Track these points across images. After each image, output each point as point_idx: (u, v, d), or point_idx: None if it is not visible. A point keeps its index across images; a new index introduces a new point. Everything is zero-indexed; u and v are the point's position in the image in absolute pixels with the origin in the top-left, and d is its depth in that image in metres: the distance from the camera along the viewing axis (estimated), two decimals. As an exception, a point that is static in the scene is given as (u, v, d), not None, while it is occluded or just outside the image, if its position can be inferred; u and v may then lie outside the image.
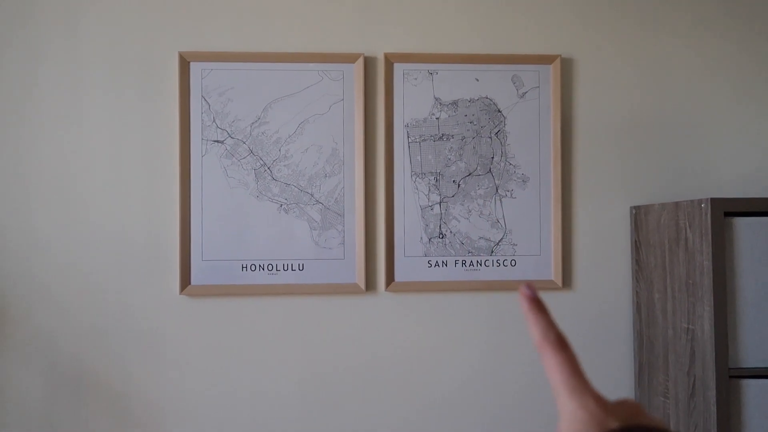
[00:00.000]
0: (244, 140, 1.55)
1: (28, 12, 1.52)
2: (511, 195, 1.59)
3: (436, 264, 1.58)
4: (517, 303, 1.59)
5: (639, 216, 1.55)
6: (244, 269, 1.54)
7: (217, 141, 1.55)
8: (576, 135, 1.61)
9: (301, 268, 1.55)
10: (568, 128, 1.61)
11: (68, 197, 1.52)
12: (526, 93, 1.60)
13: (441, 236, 1.58)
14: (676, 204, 1.37)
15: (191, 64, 1.54)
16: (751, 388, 1.25)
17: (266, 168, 1.55)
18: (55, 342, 1.51)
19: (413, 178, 1.58)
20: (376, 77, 1.57)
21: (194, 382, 1.54)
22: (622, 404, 0.37)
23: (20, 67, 1.51)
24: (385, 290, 1.56)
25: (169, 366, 1.53)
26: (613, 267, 1.61)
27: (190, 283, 1.53)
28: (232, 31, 1.56)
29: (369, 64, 1.57)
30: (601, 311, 1.60)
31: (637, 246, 1.56)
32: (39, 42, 1.52)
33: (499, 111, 1.59)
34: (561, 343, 0.38)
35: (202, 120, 1.54)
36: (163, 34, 1.54)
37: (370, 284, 1.57)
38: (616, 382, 1.60)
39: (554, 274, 1.58)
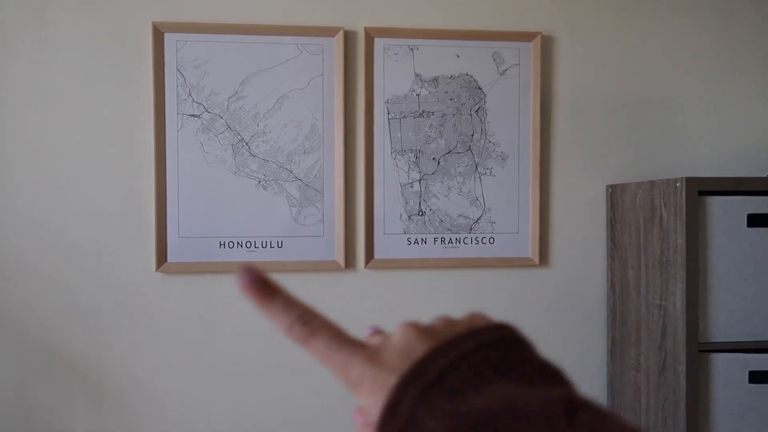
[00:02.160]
0: (221, 115, 1.52)
1: (-9, -23, 1.45)
2: (491, 173, 1.60)
3: (416, 241, 1.58)
4: (495, 280, 1.61)
5: (615, 194, 1.58)
6: (222, 246, 1.52)
7: (193, 115, 1.51)
8: (555, 113, 1.62)
9: (279, 246, 1.54)
10: (547, 106, 1.61)
11: (40, 173, 1.47)
12: (506, 70, 1.59)
13: (420, 214, 1.58)
14: (652, 183, 1.39)
15: (165, 35, 1.49)
16: (720, 361, 1.29)
17: (244, 143, 1.52)
18: (27, 321, 1.48)
19: (393, 155, 1.57)
20: (356, 52, 1.55)
21: (171, 360, 1.53)
22: (424, 330, 0.30)
23: (-16, 36, 1.45)
24: (365, 268, 1.56)
25: (145, 344, 1.52)
26: (588, 245, 1.63)
27: (166, 260, 1.51)
28: (209, 0, 1.51)
29: (349, 38, 1.54)
30: (576, 288, 1.63)
31: (612, 224, 1.59)
32: (7, 13, 1.45)
33: (480, 88, 1.59)
34: (306, 323, 0.31)
35: (177, 94, 1.50)
36: (135, 3, 1.49)
37: (349, 262, 1.56)
38: (589, 356, 1.64)
39: (531, 251, 1.60)
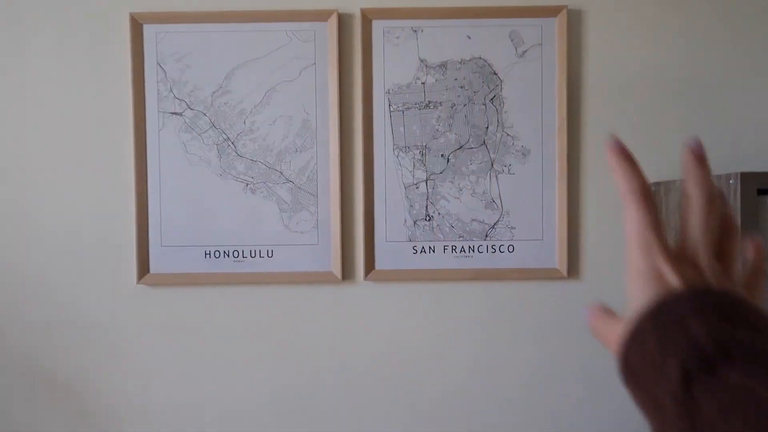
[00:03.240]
0: (205, 112, 1.38)
1: (-35, -28, 1.37)
2: (509, 171, 1.38)
3: (423, 250, 1.39)
4: (515, 295, 1.40)
5: (658, 194, 1.33)
6: (208, 256, 1.39)
7: (175, 113, 1.38)
8: (585, 100, 1.39)
9: (269, 255, 1.39)
10: (575, 92, 1.38)
11: (11, 178, 1.38)
12: (526, 51, 1.37)
13: (428, 218, 1.39)
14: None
15: (144, 26, 1.37)
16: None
17: (230, 143, 1.38)
18: (6, 332, 1.39)
19: (396, 153, 1.38)
20: (352, 37, 1.38)
21: (154, 377, 1.40)
22: (701, 267, 0.35)
23: (-40, 34, 1.37)
24: (365, 279, 1.38)
25: (127, 360, 1.40)
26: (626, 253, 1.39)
27: (148, 272, 1.38)
28: (189, -13, 1.38)
29: (344, 21, 1.37)
30: (611, 304, 1.39)
31: (656, 229, 1.34)
32: (-20, 6, 1.37)
33: (495, 73, 1.38)
34: (644, 195, 0.38)
35: (158, 90, 1.38)
36: (111, -8, 1.37)
37: (347, 273, 1.39)
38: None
39: (558, 261, 1.38)
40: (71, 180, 1.38)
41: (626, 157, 0.39)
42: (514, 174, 1.38)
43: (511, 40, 1.37)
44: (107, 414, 1.40)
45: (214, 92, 1.38)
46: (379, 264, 1.39)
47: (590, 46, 1.38)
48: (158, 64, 1.37)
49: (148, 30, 1.37)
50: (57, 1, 1.37)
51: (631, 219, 0.37)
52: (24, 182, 1.38)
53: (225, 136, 1.38)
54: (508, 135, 1.38)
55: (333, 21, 1.36)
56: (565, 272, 1.37)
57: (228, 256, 1.39)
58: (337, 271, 1.38)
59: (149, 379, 1.40)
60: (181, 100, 1.38)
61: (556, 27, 1.36)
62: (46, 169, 1.38)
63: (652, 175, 1.37)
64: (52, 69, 1.38)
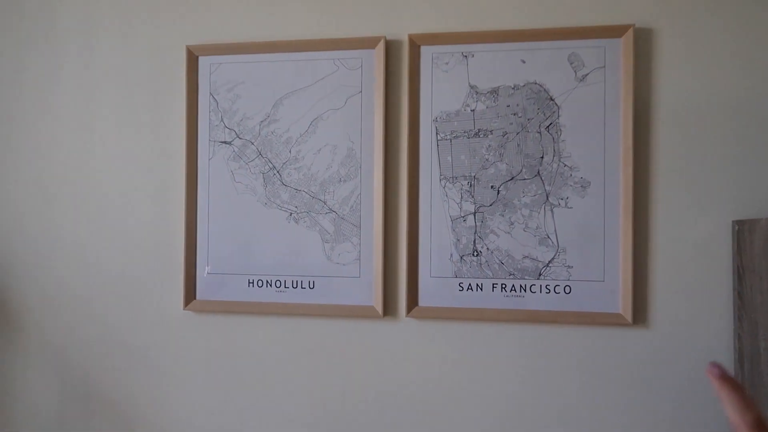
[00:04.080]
0: (253, 141, 1.39)
1: (46, 14, 1.48)
2: (566, 204, 1.27)
3: (469, 287, 1.30)
4: (571, 341, 1.26)
5: (743, 233, 1.16)
6: (251, 284, 1.38)
7: (225, 142, 1.40)
8: (655, 127, 1.25)
9: (311, 286, 1.35)
10: (644, 118, 1.25)
11: (79, 203, 1.46)
12: (587, 75, 1.26)
13: (475, 254, 1.30)
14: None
15: (200, 58, 1.40)
16: None
17: (275, 171, 1.38)
18: (65, 354, 1.46)
19: (442, 183, 1.31)
20: (400, 63, 1.33)
21: (197, 403, 1.41)
22: None
23: (39, 71, 1.48)
24: (407, 316, 1.31)
25: (171, 384, 1.42)
26: (704, 300, 1.22)
27: (195, 298, 1.40)
28: (242, 19, 1.40)
29: (391, 48, 1.33)
30: (687, 358, 1.22)
31: (739, 273, 1.17)
32: (57, 43, 1.47)
33: (552, 99, 1.28)
34: (760, 428, 0.36)
35: (209, 119, 1.40)
36: (170, 26, 1.43)
37: (389, 308, 1.33)
38: (706, 453, 1.21)
39: (622, 306, 1.23)
40: (124, 206, 1.43)
41: (732, 385, 0.38)
42: (571, 208, 1.27)
43: (570, 64, 1.27)
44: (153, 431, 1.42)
45: (261, 121, 1.38)
46: (423, 300, 1.31)
47: (660, 69, 1.24)
48: (211, 94, 1.40)
49: (204, 62, 1.40)
50: (122, 36, 1.44)
51: None
52: (90, 207, 1.45)
53: (271, 165, 1.38)
54: (565, 165, 1.27)
55: (380, 48, 1.32)
56: (629, 318, 1.22)
57: (270, 285, 1.37)
58: (379, 306, 1.32)
59: (191, 401, 1.41)
60: (230, 129, 1.40)
61: (623, 47, 1.24)
62: (101, 195, 1.45)
63: (731, 213, 1.20)
64: (115, 99, 1.45)
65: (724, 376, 0.38)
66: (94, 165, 1.45)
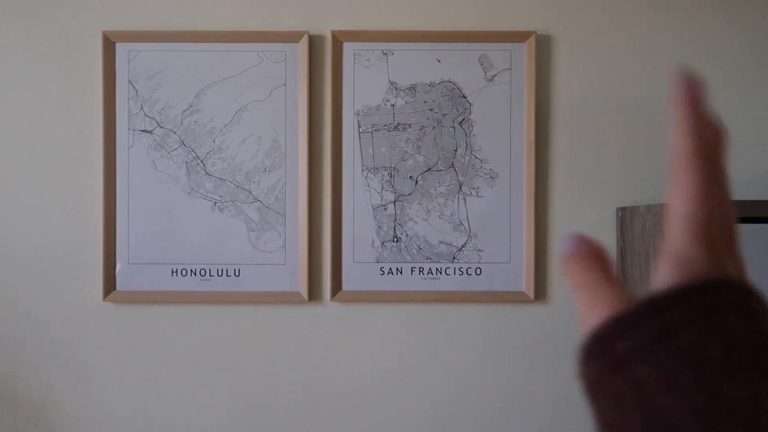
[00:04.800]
0: (175, 130, 1.38)
1: (-60, -12, 1.38)
2: (477, 193, 1.39)
3: (390, 271, 1.39)
4: (482, 317, 1.39)
5: (625, 219, 1.33)
6: (174, 274, 1.38)
7: (145, 131, 1.38)
8: (554, 124, 1.39)
9: (237, 274, 1.38)
10: (544, 116, 1.39)
11: (-19, 192, 1.39)
12: (495, 75, 1.38)
13: (396, 240, 1.39)
14: (665, 206, 1.15)
15: (117, 44, 1.38)
16: None
17: (199, 161, 1.39)
18: (-30, 350, 1.39)
19: (364, 174, 1.39)
20: (323, 58, 1.39)
21: (119, 396, 1.39)
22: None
23: (-67, 50, 1.38)
24: (331, 300, 1.38)
25: (91, 377, 1.39)
26: (594, 278, 1.39)
27: (114, 289, 1.38)
28: (163, 7, 1.39)
29: (315, 43, 1.38)
30: (577, 328, 1.38)
31: (622, 254, 1.34)
32: (-45, 22, 1.38)
33: (464, 96, 1.39)
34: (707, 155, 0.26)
35: (128, 107, 1.38)
36: (85, 11, 1.38)
37: (314, 293, 1.39)
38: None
39: (526, 285, 1.38)
40: (39, 194, 1.38)
41: (696, 105, 0.27)
42: (482, 197, 1.39)
43: (481, 64, 1.38)
44: (70, 430, 1.39)
45: (184, 111, 1.38)
46: (346, 285, 1.38)
47: (559, 72, 1.39)
48: (129, 82, 1.38)
49: (121, 48, 1.38)
50: (30, 18, 1.38)
51: (676, 193, 0.27)
52: (-9, 198, 1.38)
53: (194, 155, 1.38)
54: (476, 158, 1.39)
55: (304, 43, 1.37)
56: (532, 295, 1.37)
57: (195, 274, 1.38)
58: (304, 291, 1.37)
59: (113, 395, 1.39)
60: (151, 118, 1.38)
61: (525, 51, 1.37)
62: (14, 184, 1.38)
63: (620, 200, 1.38)
64: (22, 84, 1.38)
65: (694, 89, 0.28)
66: (3, 151, 1.38)
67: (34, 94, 1.38)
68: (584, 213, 1.39)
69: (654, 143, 1.37)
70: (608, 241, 1.38)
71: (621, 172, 1.38)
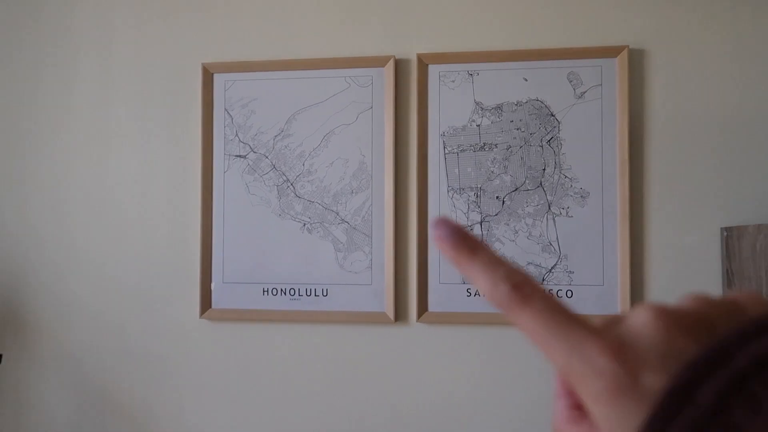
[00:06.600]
0: (267, 154, 1.44)
1: (63, 30, 1.52)
2: (567, 213, 1.35)
3: (477, 293, 1.37)
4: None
5: (731, 240, 1.25)
6: (266, 293, 1.43)
7: (240, 156, 1.45)
8: (649, 141, 1.33)
9: (324, 294, 1.41)
10: (638, 133, 1.33)
11: (96, 216, 1.50)
12: (585, 93, 1.35)
13: (482, 261, 1.37)
14: (777, 227, 1.07)
15: (215, 75, 1.46)
16: None
17: (289, 184, 1.43)
18: (82, 366, 1.49)
19: (450, 194, 1.38)
20: (409, 81, 1.41)
21: (213, 411, 1.45)
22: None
23: (56, 85, 1.52)
24: (417, 321, 1.37)
25: (187, 391, 1.46)
26: (697, 302, 1.30)
27: (210, 307, 1.44)
28: (256, 38, 1.46)
29: (400, 66, 1.41)
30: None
31: (729, 278, 1.26)
32: (74, 59, 1.52)
33: (553, 115, 1.36)
34: (523, 287, 0.24)
35: (224, 134, 1.46)
36: (186, 45, 1.48)
37: (400, 314, 1.39)
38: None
39: (621, 309, 1.31)
40: (147, 219, 1.48)
41: (467, 246, 0.26)
42: (572, 217, 1.35)
43: (570, 82, 1.35)
44: (168, 443, 1.46)
45: (275, 136, 1.44)
46: (433, 306, 1.38)
47: (653, 86, 1.33)
48: (226, 110, 1.46)
49: (218, 79, 1.46)
50: (139, 55, 1.49)
51: (526, 324, 0.24)
52: (106, 219, 1.49)
53: (285, 178, 1.44)
54: (566, 177, 1.35)
55: (390, 66, 1.39)
56: (628, 320, 1.30)
57: (285, 293, 1.42)
58: (390, 312, 1.38)
59: (208, 410, 1.45)
60: (245, 143, 1.45)
61: (618, 67, 1.33)
62: (126, 208, 1.49)
63: (724, 220, 1.29)
64: (133, 115, 1.49)
65: (454, 239, 0.26)
66: (110, 178, 1.50)
67: (143, 126, 1.49)
68: (684, 233, 1.31)
69: (758, 158, 1.28)
70: (713, 262, 1.30)
71: (723, 190, 1.30)
